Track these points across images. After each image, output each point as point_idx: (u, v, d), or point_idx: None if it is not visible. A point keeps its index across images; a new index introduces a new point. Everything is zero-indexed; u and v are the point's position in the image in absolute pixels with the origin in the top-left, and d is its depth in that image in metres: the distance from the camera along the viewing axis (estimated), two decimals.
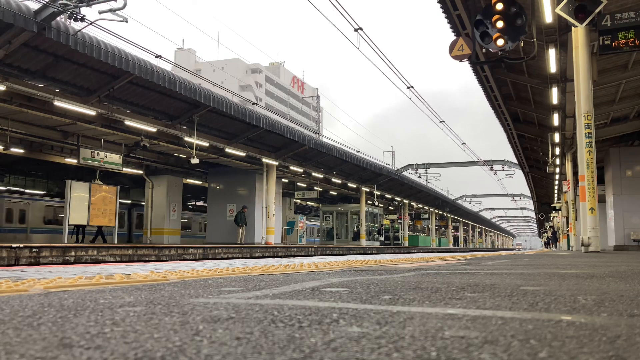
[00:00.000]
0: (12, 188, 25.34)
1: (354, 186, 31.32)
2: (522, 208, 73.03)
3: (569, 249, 24.22)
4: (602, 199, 18.79)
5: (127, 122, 15.38)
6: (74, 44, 11.41)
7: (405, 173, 38.88)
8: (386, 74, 41.89)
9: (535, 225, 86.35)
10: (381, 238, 38.83)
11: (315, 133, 32.41)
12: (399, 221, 43.93)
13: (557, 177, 26.41)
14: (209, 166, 24.04)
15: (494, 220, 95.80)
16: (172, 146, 18.64)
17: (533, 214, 69.21)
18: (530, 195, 46.47)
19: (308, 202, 37.76)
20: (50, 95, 13.24)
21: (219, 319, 1.31)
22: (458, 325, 1.23)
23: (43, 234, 22.03)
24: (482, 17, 9.00)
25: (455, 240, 65.97)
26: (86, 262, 12.30)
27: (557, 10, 9.09)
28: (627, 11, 9.47)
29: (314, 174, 25.48)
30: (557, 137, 18.66)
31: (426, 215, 49.10)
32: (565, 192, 23.61)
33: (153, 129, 16.25)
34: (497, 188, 70.06)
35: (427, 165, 40.34)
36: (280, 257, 19.76)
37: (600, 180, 18.35)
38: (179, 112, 16.82)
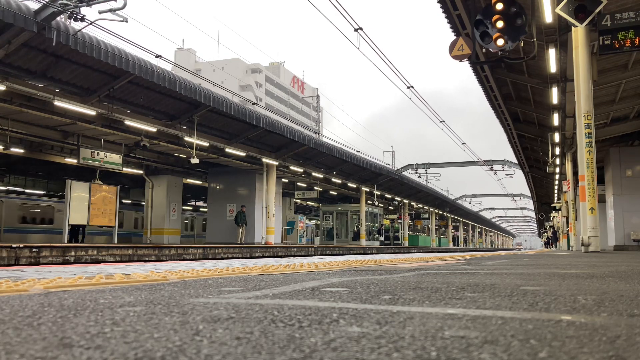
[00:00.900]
0: None
1: (354, 186, 31.33)
2: (522, 208, 73.06)
3: (569, 248, 24.23)
4: (602, 199, 18.79)
5: (127, 122, 15.39)
6: (74, 43, 11.41)
7: (405, 173, 38.90)
8: (386, 73, 41.86)
9: (535, 225, 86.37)
10: (381, 238, 38.83)
11: (316, 133, 32.41)
12: (399, 221, 43.93)
13: (557, 177, 26.41)
14: (209, 166, 24.04)
15: (494, 220, 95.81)
16: (172, 146, 18.65)
17: (533, 214, 69.22)
18: (530, 195, 46.48)
19: (308, 202, 37.76)
20: (50, 95, 13.24)
21: (219, 319, 1.31)
22: (458, 325, 1.23)
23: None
24: (482, 17, 9.00)
25: (455, 240, 65.98)
26: (86, 262, 12.30)
27: (557, 10, 9.09)
28: (627, 11, 9.47)
29: (314, 173, 25.49)
30: (557, 137, 18.66)
31: (426, 215, 49.10)
32: (565, 192, 23.61)
33: (153, 129, 16.25)
34: (497, 188, 70.13)
35: (427, 165, 40.35)
36: (280, 257, 19.76)
37: (600, 180, 18.35)
38: (179, 112, 16.83)
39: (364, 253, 24.91)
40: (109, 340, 1.03)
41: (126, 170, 21.09)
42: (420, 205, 45.87)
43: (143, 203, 25.80)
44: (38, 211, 22.62)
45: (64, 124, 15.90)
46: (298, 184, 29.73)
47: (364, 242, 32.87)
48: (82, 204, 17.29)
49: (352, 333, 1.12)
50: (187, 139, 17.42)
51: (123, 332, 1.11)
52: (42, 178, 27.98)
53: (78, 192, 17.27)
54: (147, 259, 14.59)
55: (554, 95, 14.43)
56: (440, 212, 52.59)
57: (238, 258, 17.17)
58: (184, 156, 20.59)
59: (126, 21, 10.40)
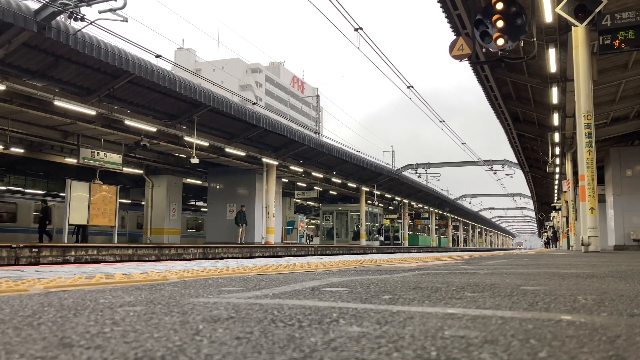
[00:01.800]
0: None
1: (354, 186, 31.32)
2: (522, 208, 73.05)
3: (569, 248, 24.23)
4: (602, 199, 18.79)
5: (127, 122, 15.38)
6: (74, 43, 11.41)
7: (405, 173, 38.90)
8: (386, 73, 41.80)
9: (535, 225, 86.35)
10: (381, 238, 38.82)
11: (315, 133, 32.43)
12: (399, 221, 43.93)
13: (557, 176, 26.41)
14: (209, 166, 24.04)
15: (494, 220, 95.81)
16: (172, 146, 18.65)
17: (533, 214, 69.21)
18: (530, 195, 46.47)
19: (308, 202, 37.76)
20: (50, 95, 13.24)
21: (219, 319, 1.31)
22: (458, 324, 1.23)
23: None
24: (482, 17, 9.00)
25: (455, 240, 65.97)
26: (86, 262, 12.30)
27: (557, 9, 9.09)
28: (627, 11, 9.46)
29: (314, 173, 25.49)
30: (557, 137, 18.65)
31: (426, 215, 49.10)
32: (565, 192, 23.61)
33: (153, 129, 16.25)
34: (497, 188, 70.15)
35: (427, 165, 40.35)
36: (280, 256, 19.76)
37: (600, 180, 18.34)
38: (179, 111, 16.83)
39: (364, 253, 24.91)
40: (109, 340, 1.03)
41: (126, 170, 21.09)
42: (420, 205, 45.87)
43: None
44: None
45: (63, 123, 15.90)
46: (298, 183, 29.73)
47: (364, 242, 32.87)
48: (82, 203, 17.29)
49: (352, 333, 1.12)
50: (187, 138, 17.42)
51: (123, 332, 1.11)
52: (42, 178, 27.96)
53: (78, 192, 17.27)
54: (147, 258, 14.59)
55: (554, 95, 14.43)
56: (440, 212, 52.58)
57: (238, 258, 17.17)
58: (184, 156, 20.59)
59: (126, 21, 10.41)
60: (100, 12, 10.35)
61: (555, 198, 33.86)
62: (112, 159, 17.83)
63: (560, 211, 30.02)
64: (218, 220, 24.69)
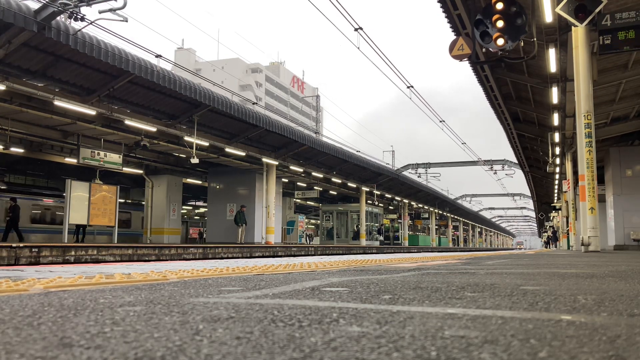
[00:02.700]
0: None
1: (354, 186, 31.32)
2: (522, 208, 73.04)
3: (569, 248, 24.23)
4: (602, 199, 18.78)
5: (127, 122, 15.38)
6: (74, 43, 11.41)
7: (405, 173, 38.90)
8: (386, 73, 41.80)
9: (535, 225, 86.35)
10: (381, 238, 38.82)
11: (315, 133, 32.42)
12: (399, 221, 43.93)
13: (557, 176, 26.41)
14: (209, 166, 24.04)
15: (494, 220, 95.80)
16: (172, 146, 18.65)
17: (533, 214, 69.20)
18: (530, 195, 46.47)
19: (308, 202, 37.76)
20: (50, 95, 13.24)
21: (219, 319, 1.31)
22: (458, 324, 1.23)
23: None
24: (482, 17, 9.00)
25: (455, 240, 65.96)
26: (86, 262, 12.30)
27: (557, 9, 9.09)
28: (627, 11, 9.46)
29: (314, 173, 25.49)
30: (557, 137, 18.65)
31: (426, 215, 49.10)
32: (565, 192, 23.60)
33: (153, 129, 16.25)
34: (497, 188, 70.16)
35: (427, 165, 40.35)
36: (280, 256, 19.76)
37: (600, 180, 18.35)
38: (179, 111, 16.83)
39: (364, 253, 24.91)
40: (109, 340, 1.03)
41: (126, 170, 21.10)
42: (420, 205, 45.87)
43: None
44: None
45: (63, 123, 15.90)
46: (298, 183, 29.73)
47: (364, 241, 32.87)
48: (82, 203, 17.30)
49: (352, 333, 1.12)
50: (187, 138, 17.42)
51: (123, 332, 1.11)
52: (42, 178, 27.96)
53: (78, 192, 17.27)
54: (147, 258, 14.58)
55: (554, 95, 14.43)
56: (440, 212, 52.58)
57: (238, 258, 17.16)
58: (184, 156, 20.59)
59: (126, 21, 10.41)
60: (100, 12, 10.35)
61: (555, 198, 33.86)
62: (112, 158, 17.84)
63: (560, 211, 30.01)
64: (218, 220, 24.69)
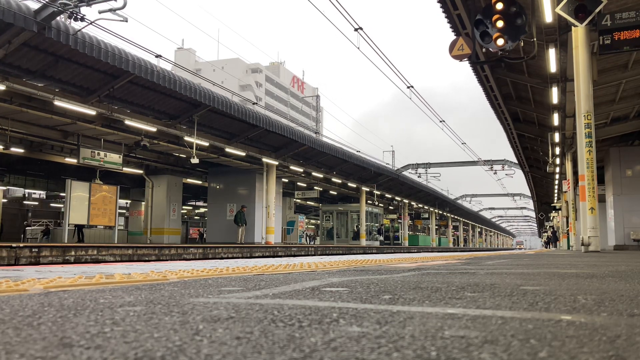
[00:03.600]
0: None
1: (354, 186, 31.33)
2: (522, 208, 73.05)
3: (569, 248, 24.22)
4: (602, 199, 18.78)
5: (127, 122, 15.38)
6: (74, 43, 11.41)
7: (405, 173, 38.90)
8: (386, 73, 41.81)
9: (535, 225, 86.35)
10: (381, 238, 38.82)
11: (316, 133, 32.42)
12: (399, 221, 43.93)
13: (557, 176, 26.41)
14: (209, 166, 24.05)
15: (494, 220, 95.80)
16: (172, 146, 18.65)
17: (533, 214, 69.21)
18: (530, 195, 46.47)
19: (308, 202, 37.76)
20: (50, 95, 13.24)
21: (219, 319, 1.31)
22: (458, 324, 1.23)
23: None
24: (482, 17, 9.00)
25: (455, 240, 65.95)
26: (86, 262, 12.30)
27: (557, 9, 9.09)
28: (627, 11, 9.46)
29: (314, 173, 25.49)
30: (557, 137, 18.65)
31: (426, 215, 49.10)
32: (565, 192, 23.61)
33: (153, 129, 16.25)
34: (497, 188, 70.14)
35: (427, 165, 40.36)
36: (280, 256, 19.76)
37: (600, 180, 18.35)
38: (179, 111, 16.83)
39: (364, 253, 24.90)
40: (109, 340, 1.03)
41: (126, 170, 21.10)
42: (420, 205, 45.87)
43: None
44: None
45: (64, 123, 15.90)
46: (298, 183, 29.74)
47: (364, 242, 32.87)
48: (82, 203, 17.30)
49: (352, 333, 1.12)
50: (187, 138, 17.42)
51: (123, 332, 1.11)
52: (42, 178, 27.97)
53: (78, 192, 17.27)
54: (147, 258, 14.58)
55: (554, 95, 14.43)
56: (440, 212, 52.58)
57: (238, 258, 17.16)
58: (184, 156, 20.59)
59: (126, 21, 10.41)
60: (100, 12, 10.35)
61: (555, 198, 33.86)
62: (112, 159, 17.84)
63: (560, 211, 30.01)
64: (218, 220, 24.69)
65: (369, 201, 34.20)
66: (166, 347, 0.96)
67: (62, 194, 24.05)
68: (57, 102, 13.33)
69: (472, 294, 1.96)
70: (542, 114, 18.05)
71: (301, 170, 24.39)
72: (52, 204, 34.75)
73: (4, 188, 24.37)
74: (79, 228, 18.49)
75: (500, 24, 8.82)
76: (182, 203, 26.90)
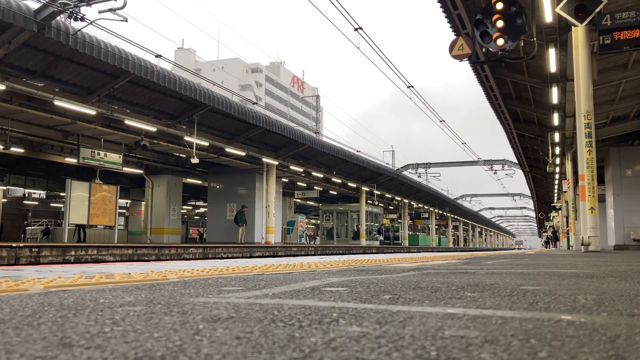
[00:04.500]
0: None
1: (354, 186, 31.32)
2: (522, 207, 73.06)
3: (569, 248, 24.22)
4: (602, 199, 18.78)
5: (127, 122, 15.38)
6: (74, 43, 11.41)
7: (405, 173, 38.90)
8: (386, 73, 41.83)
9: (535, 225, 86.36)
10: (381, 237, 38.82)
11: (316, 132, 32.42)
12: (399, 221, 43.93)
13: (557, 176, 26.41)
14: (209, 166, 24.05)
15: (494, 219, 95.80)
16: (172, 146, 18.65)
17: (533, 214, 69.21)
18: (530, 195, 46.47)
19: (308, 202, 37.76)
20: (50, 95, 13.24)
21: (219, 319, 1.31)
22: (458, 324, 1.23)
23: None
24: (482, 17, 9.00)
25: (455, 239, 65.95)
26: (86, 262, 12.30)
27: (557, 9, 9.09)
28: (627, 11, 9.46)
29: (314, 173, 25.48)
30: (557, 137, 18.65)
31: (426, 215, 49.09)
32: (565, 192, 23.60)
33: (153, 129, 16.25)
34: (497, 188, 70.13)
35: (427, 165, 40.36)
36: (280, 256, 19.75)
37: (600, 180, 18.34)
38: (179, 111, 16.82)
39: (364, 253, 24.90)
40: (109, 339, 1.03)
41: (126, 170, 21.10)
42: (420, 205, 45.86)
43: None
44: None
45: (63, 123, 15.90)
46: (298, 183, 29.73)
47: (364, 241, 32.87)
48: (82, 203, 17.30)
49: (352, 333, 1.12)
50: (187, 138, 17.42)
51: (123, 332, 1.11)
52: (42, 178, 27.97)
53: (78, 192, 17.27)
54: (147, 258, 14.58)
55: (554, 95, 14.43)
56: (440, 212, 52.58)
57: (238, 258, 17.16)
58: (184, 156, 20.59)
59: (126, 21, 10.40)
60: (100, 12, 10.35)
61: (555, 198, 33.86)
62: (112, 158, 17.84)
63: (560, 211, 30.01)
64: (218, 220, 24.69)
65: (369, 201, 34.19)
66: (166, 347, 0.96)
67: (62, 194, 24.08)
68: (57, 102, 13.33)
69: (472, 294, 1.96)
70: (542, 114, 18.06)
71: (301, 170, 24.39)
72: (52, 204, 34.79)
73: (4, 188, 24.38)
74: (81, 228, 18.48)
75: (500, 23, 8.81)
76: (182, 203, 26.91)
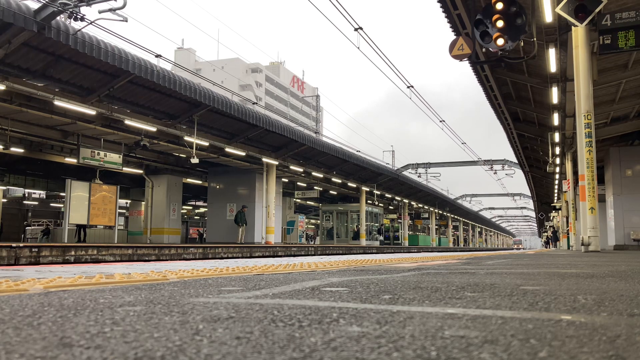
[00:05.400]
0: None
1: (354, 186, 31.32)
2: (522, 207, 73.06)
3: (569, 248, 24.22)
4: (602, 199, 18.78)
5: (127, 122, 15.38)
6: (74, 43, 11.41)
7: (405, 172, 38.90)
8: (386, 73, 41.83)
9: (535, 225, 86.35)
10: (381, 237, 38.82)
11: (315, 132, 32.42)
12: (399, 221, 43.93)
13: (557, 176, 26.41)
14: (209, 166, 24.05)
15: (494, 219, 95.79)
16: (172, 146, 18.65)
17: (533, 214, 69.21)
18: (530, 195, 46.48)
19: (308, 202, 37.76)
20: (50, 95, 13.24)
21: (219, 319, 1.31)
22: (458, 324, 1.23)
23: None
24: (482, 17, 9.00)
25: (455, 239, 65.95)
26: (86, 262, 12.30)
27: (557, 9, 9.09)
28: (627, 11, 9.46)
29: (314, 173, 25.48)
30: (557, 137, 18.66)
31: (426, 215, 49.09)
32: (565, 192, 23.60)
33: (153, 129, 16.25)
34: (497, 188, 70.14)
35: (427, 165, 40.36)
36: (280, 256, 19.75)
37: (600, 180, 18.34)
38: (179, 111, 16.82)
39: (364, 253, 24.90)
40: (109, 339, 1.03)
41: (126, 169, 21.10)
42: (420, 205, 45.86)
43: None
44: None
45: (63, 123, 15.90)
46: (298, 183, 29.73)
47: (364, 241, 32.87)
48: (82, 203, 17.30)
49: (352, 333, 1.12)
50: (187, 138, 17.42)
51: (123, 332, 1.11)
52: (42, 178, 27.97)
53: (78, 192, 17.27)
54: (147, 258, 14.58)
55: (554, 95, 14.43)
56: (440, 212, 52.58)
57: (238, 258, 17.15)
58: (184, 156, 20.59)
59: (126, 21, 10.41)
60: (100, 12, 10.35)
61: (555, 198, 33.86)
62: (112, 158, 17.84)
63: (560, 211, 30.01)
64: (218, 220, 24.69)
65: (369, 201, 34.19)
66: (166, 347, 0.96)
67: (62, 194, 24.10)
68: (57, 102, 13.33)
69: (472, 294, 1.96)
70: (542, 114, 18.06)
71: (301, 170, 24.39)
72: (52, 204, 34.79)
73: (4, 188, 24.39)
74: (81, 228, 18.48)
75: (500, 23, 8.81)
76: (182, 203, 26.91)
